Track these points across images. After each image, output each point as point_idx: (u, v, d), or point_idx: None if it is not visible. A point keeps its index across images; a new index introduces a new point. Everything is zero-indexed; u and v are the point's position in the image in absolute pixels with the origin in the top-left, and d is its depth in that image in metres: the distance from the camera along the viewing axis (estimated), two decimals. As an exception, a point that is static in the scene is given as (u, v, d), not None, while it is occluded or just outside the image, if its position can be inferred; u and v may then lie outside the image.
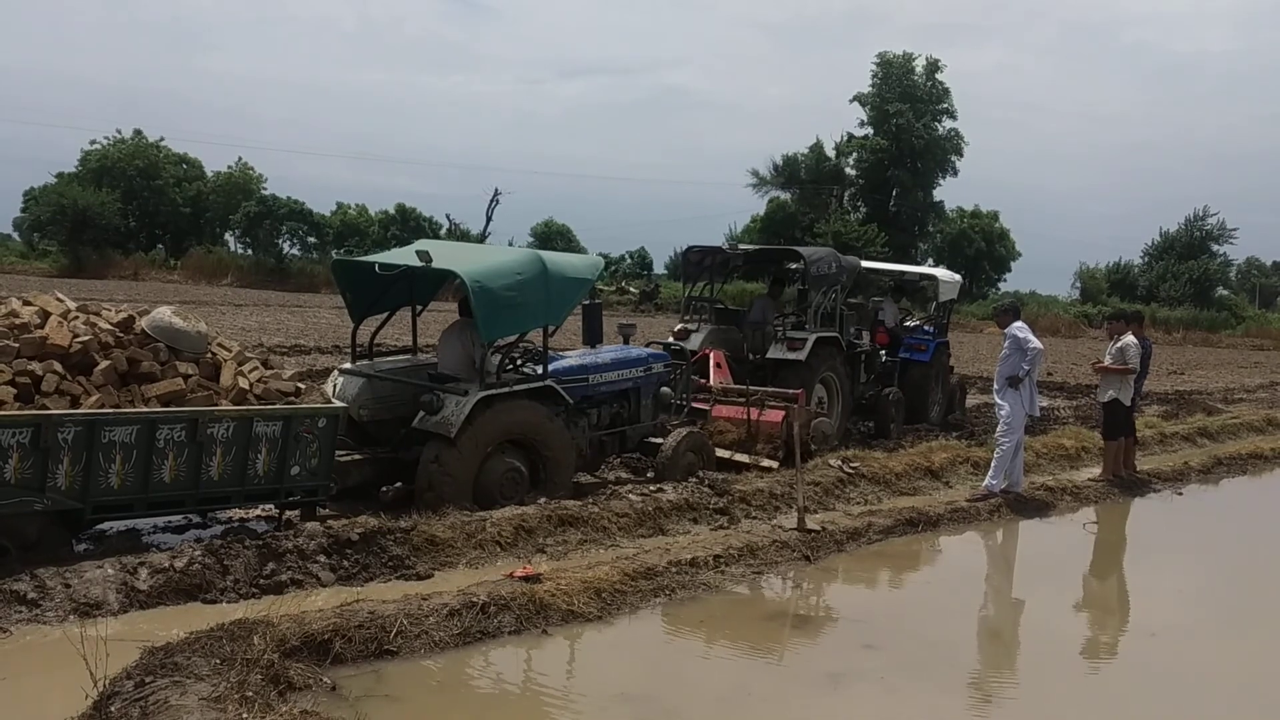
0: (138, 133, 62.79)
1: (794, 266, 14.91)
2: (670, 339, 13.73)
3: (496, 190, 60.57)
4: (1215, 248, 64.02)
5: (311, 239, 59.84)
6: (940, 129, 61.79)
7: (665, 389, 10.91)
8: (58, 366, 6.75)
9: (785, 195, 62.16)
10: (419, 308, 10.15)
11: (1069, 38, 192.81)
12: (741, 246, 15.09)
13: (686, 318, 14.40)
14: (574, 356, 10.41)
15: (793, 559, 8.20)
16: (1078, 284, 68.01)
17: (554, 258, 9.52)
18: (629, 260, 66.16)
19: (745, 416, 11.51)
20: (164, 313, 7.60)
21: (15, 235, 66.40)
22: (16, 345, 6.72)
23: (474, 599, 6.21)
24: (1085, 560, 9.78)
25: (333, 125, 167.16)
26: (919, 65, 62.00)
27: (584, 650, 6.24)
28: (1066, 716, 5.84)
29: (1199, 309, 57.80)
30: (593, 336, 10.67)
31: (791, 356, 13.00)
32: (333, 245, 56.22)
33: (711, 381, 12.54)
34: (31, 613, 5.89)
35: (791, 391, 11.86)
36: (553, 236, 64.00)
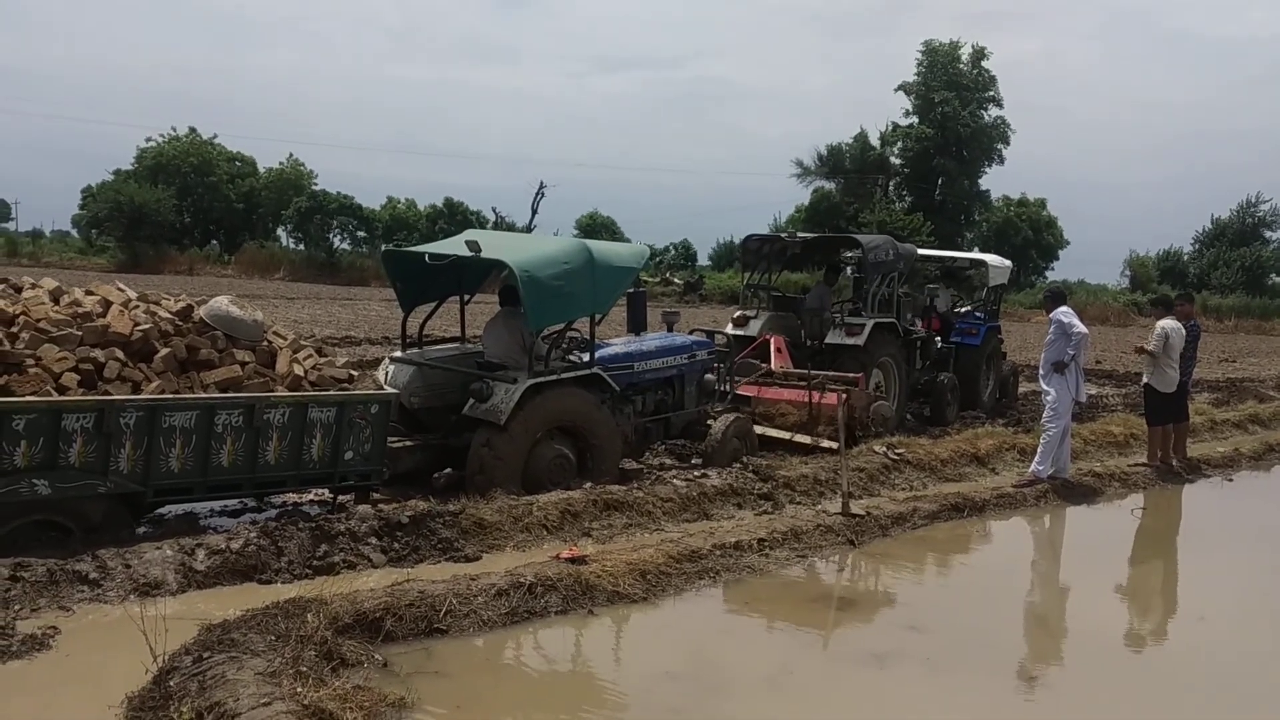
0: (192, 130, 63.78)
1: (850, 254, 14.99)
2: (730, 326, 13.92)
3: (542, 183, 60.68)
4: (1268, 234, 62.88)
5: (361, 233, 60.44)
6: (986, 117, 61.07)
7: (709, 375, 10.97)
8: (119, 354, 6.95)
9: (830, 185, 61.76)
10: (467, 297, 10.28)
11: (1112, 24, 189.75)
12: (800, 235, 15.18)
13: (745, 305, 14.54)
14: (619, 344, 10.49)
15: (837, 543, 8.23)
16: (1127, 272, 67.01)
17: (600, 247, 9.61)
18: (673, 251, 66.14)
19: (806, 400, 11.62)
20: (221, 302, 7.80)
21: (74, 232, 67.81)
22: (80, 333, 6.93)
23: (521, 580, 6.31)
24: (1133, 546, 9.70)
25: (380, 121, 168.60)
26: (965, 53, 61.31)
27: (629, 630, 6.33)
28: (1113, 699, 5.82)
29: (1251, 296, 56.72)
30: (637, 324, 10.76)
31: (850, 341, 13.14)
32: (382, 239, 56.73)
33: (773, 365, 12.68)
34: (94, 592, 6.05)
35: (851, 375, 11.98)
36: (597, 228, 64.14)
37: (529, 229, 56.58)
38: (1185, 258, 64.96)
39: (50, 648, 5.42)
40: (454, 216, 58.15)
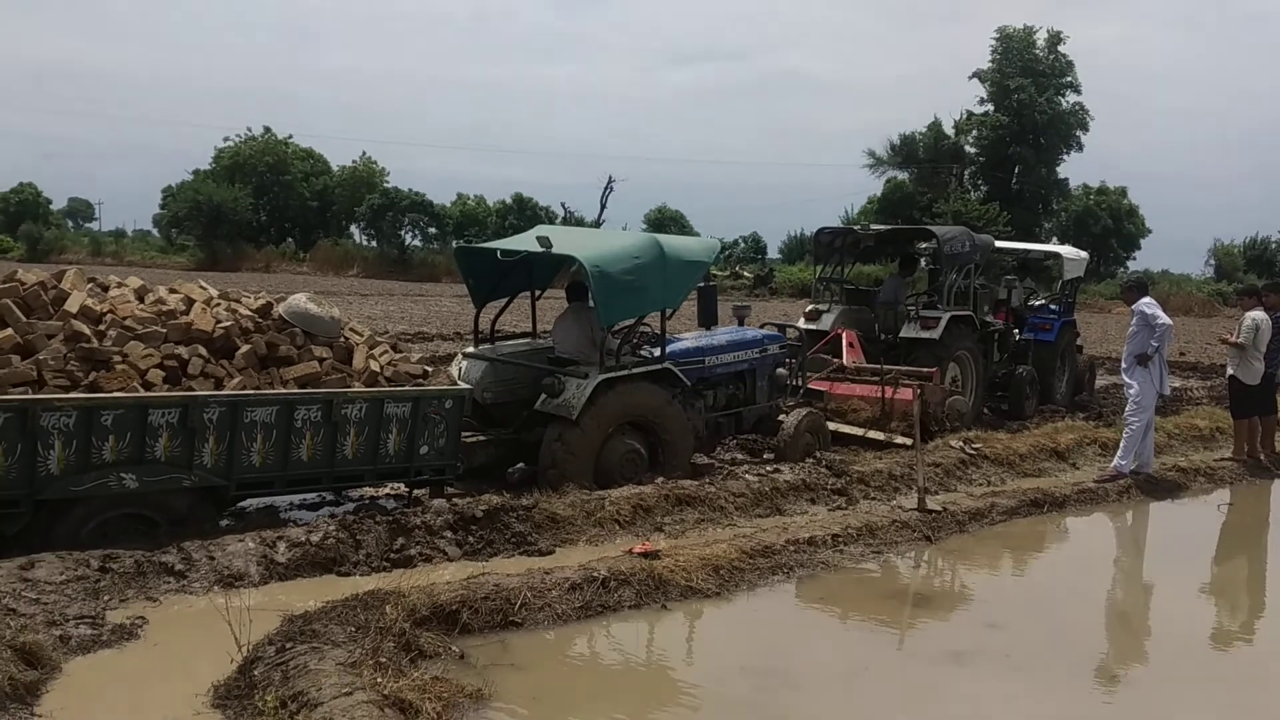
0: (267, 130, 65.07)
1: (925, 246, 14.78)
2: (801, 320, 13.84)
3: (610, 178, 60.65)
4: (1362, 220, 60.69)
5: (432, 230, 61.09)
6: (1064, 103, 59.71)
7: (781, 370, 10.91)
8: (202, 350, 7.10)
9: (903, 175, 60.99)
10: (538, 292, 10.34)
11: (1193, 7, 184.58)
12: (873, 227, 15.02)
13: (818, 298, 14.42)
14: (690, 339, 10.47)
15: (913, 539, 8.14)
16: (1212, 261, 65.16)
17: (671, 241, 9.59)
18: (743, 245, 65.89)
19: (880, 395, 11.50)
20: (300, 299, 7.93)
21: (154, 231, 69.67)
22: (164, 330, 7.09)
23: (594, 574, 6.34)
24: (1219, 542, 9.45)
25: (451, 118, 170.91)
26: (1040, 38, 60.04)
27: (703, 625, 6.32)
28: (1198, 699, 5.69)
29: (1344, 285, 54.74)
30: (708, 318, 10.73)
31: (925, 335, 12.95)
32: (453, 235, 57.27)
33: (845, 361, 12.57)
34: (179, 583, 6.20)
35: (926, 370, 11.82)
36: (666, 222, 64.06)
37: (598, 224, 56.75)
38: (1273, 245, 63.03)
39: (139, 637, 5.56)
40: (523, 212, 58.50)
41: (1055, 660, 6.01)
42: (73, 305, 7.01)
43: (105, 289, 7.68)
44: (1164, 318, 10.50)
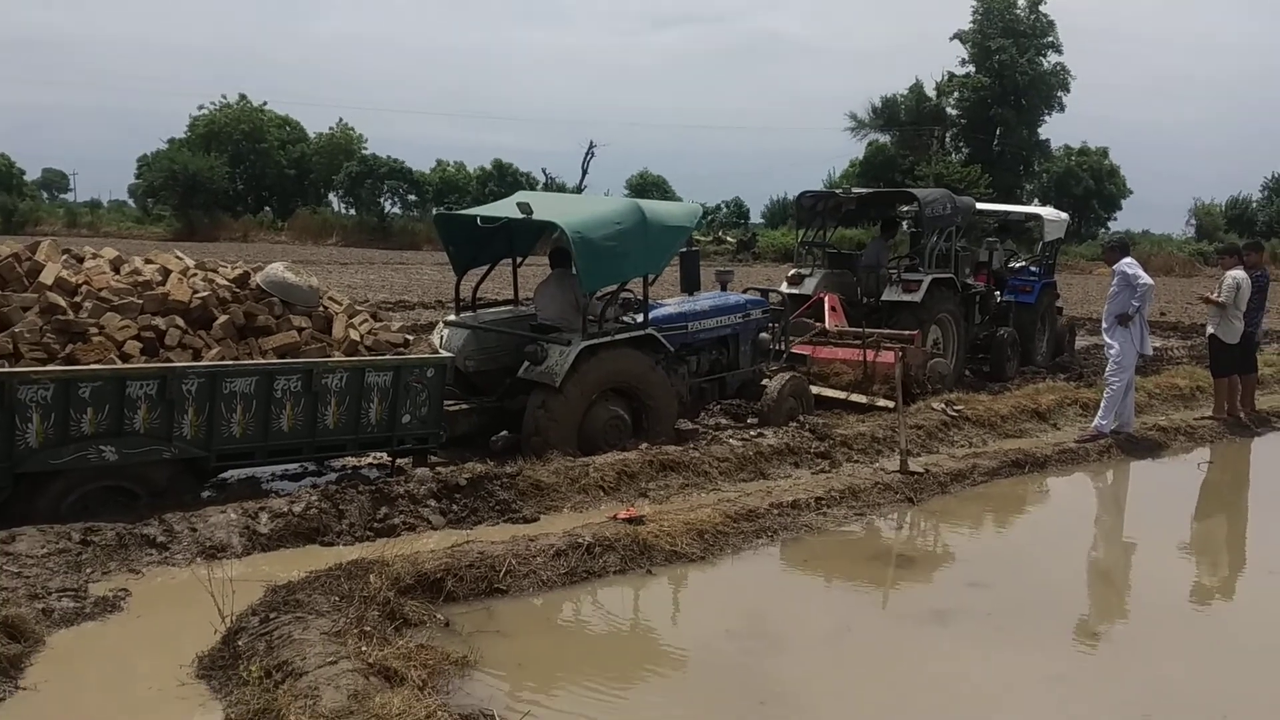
0: (242, 97, 64.44)
1: (907, 209, 14.78)
2: (784, 284, 13.82)
3: (591, 143, 60.44)
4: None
5: (412, 197, 60.75)
6: (1045, 64, 59.64)
7: (764, 334, 10.91)
8: (179, 321, 7.03)
9: (884, 138, 60.88)
10: (519, 259, 10.28)
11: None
12: (855, 190, 14.97)
13: (800, 262, 14.40)
14: (673, 304, 10.45)
15: (895, 501, 8.17)
16: (1193, 221, 65.49)
17: (653, 206, 9.54)
18: (725, 209, 65.76)
19: (862, 358, 11.52)
20: (277, 268, 7.86)
21: (130, 201, 69.00)
22: (140, 301, 7.02)
23: (579, 540, 6.34)
24: (1199, 501, 9.52)
25: (430, 84, 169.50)
26: (1022, -1, 59.84)
27: (688, 589, 6.33)
28: (1180, 655, 5.75)
29: (1324, 244, 55.06)
30: (690, 284, 10.71)
31: (907, 298, 12.99)
32: (432, 202, 57.00)
33: (827, 324, 12.58)
34: (161, 555, 6.18)
35: (907, 333, 11.85)
36: (648, 188, 63.89)
37: (579, 190, 56.51)
38: (1254, 205, 63.28)
39: (122, 609, 5.54)
40: (504, 179, 58.22)
41: (1037, 619, 6.05)
42: (48, 277, 6.92)
43: (80, 260, 7.59)
44: (1145, 278, 10.52)
